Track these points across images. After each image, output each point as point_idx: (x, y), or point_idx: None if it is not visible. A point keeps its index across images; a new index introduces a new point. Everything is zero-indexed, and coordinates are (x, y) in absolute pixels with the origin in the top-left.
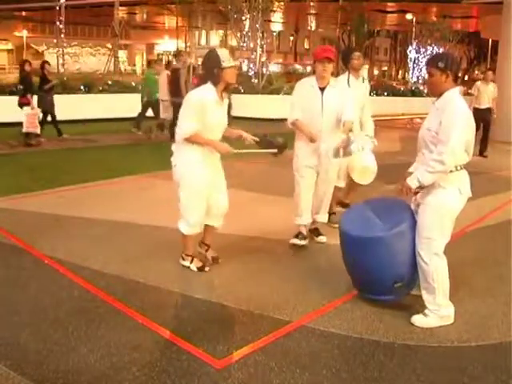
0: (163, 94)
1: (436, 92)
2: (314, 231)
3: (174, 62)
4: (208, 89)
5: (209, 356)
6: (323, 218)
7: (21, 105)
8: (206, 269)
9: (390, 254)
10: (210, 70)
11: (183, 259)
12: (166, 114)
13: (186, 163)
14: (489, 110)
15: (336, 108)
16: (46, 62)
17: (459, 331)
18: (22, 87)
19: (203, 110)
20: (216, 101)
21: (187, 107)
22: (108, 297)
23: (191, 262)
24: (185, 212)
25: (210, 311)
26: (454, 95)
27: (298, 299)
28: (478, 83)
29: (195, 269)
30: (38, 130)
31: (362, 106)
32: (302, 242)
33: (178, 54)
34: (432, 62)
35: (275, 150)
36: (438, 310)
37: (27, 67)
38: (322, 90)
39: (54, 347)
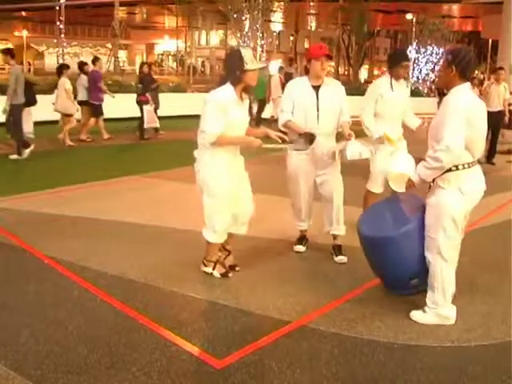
0: (277, 93)
1: (441, 84)
2: (336, 248)
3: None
4: (227, 89)
5: (209, 356)
6: (340, 229)
7: (139, 102)
8: (230, 275)
9: (402, 252)
10: (232, 71)
11: (205, 265)
12: (276, 110)
13: (211, 170)
14: (500, 112)
15: (333, 107)
16: (152, 63)
17: (459, 331)
18: (140, 86)
19: (225, 110)
20: (236, 100)
21: (209, 110)
22: (108, 297)
23: (214, 268)
24: (210, 220)
25: (210, 311)
26: (457, 91)
27: (298, 299)
28: (486, 83)
29: (218, 275)
30: (158, 124)
31: (403, 110)
32: (305, 248)
33: (291, 61)
34: (445, 54)
35: (304, 147)
36: (435, 309)
37: (145, 69)
38: (317, 89)
39: (54, 347)
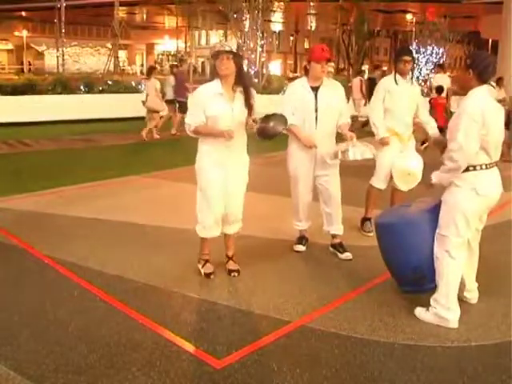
0: (357, 94)
1: (460, 87)
2: (338, 246)
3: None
4: (211, 83)
5: (209, 356)
6: (338, 229)
7: None
8: (211, 277)
9: (405, 240)
10: (212, 64)
11: (199, 262)
12: (357, 109)
13: (201, 164)
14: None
15: (332, 108)
16: None
17: (459, 331)
18: None
19: (203, 103)
20: (219, 93)
21: (189, 103)
22: (108, 297)
23: (203, 266)
24: (199, 213)
25: (210, 311)
26: (473, 93)
27: (298, 299)
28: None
29: (203, 273)
30: None
31: (412, 107)
32: (305, 248)
33: (376, 67)
34: (465, 58)
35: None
36: (436, 309)
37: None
38: (316, 90)
39: (54, 347)
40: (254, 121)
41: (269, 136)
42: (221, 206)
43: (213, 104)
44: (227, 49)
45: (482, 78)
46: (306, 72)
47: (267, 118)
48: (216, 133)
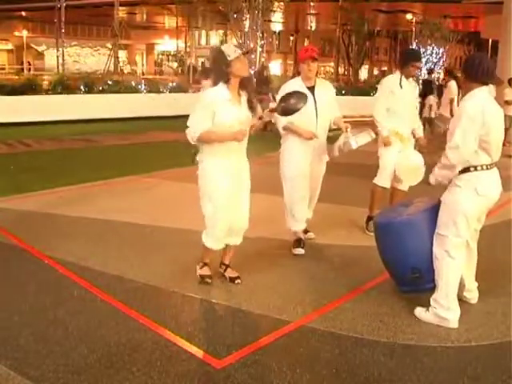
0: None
1: (463, 90)
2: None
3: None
4: (219, 88)
5: (209, 356)
6: (309, 214)
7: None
8: (208, 280)
9: (403, 240)
10: (219, 68)
11: (198, 263)
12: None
13: (206, 172)
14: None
15: (328, 106)
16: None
17: (459, 331)
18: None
19: (212, 109)
20: (229, 99)
21: (196, 108)
22: (108, 297)
23: (201, 267)
24: (208, 224)
25: (210, 311)
26: (471, 95)
27: (298, 299)
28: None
29: (198, 276)
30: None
31: (415, 106)
32: (303, 251)
33: (431, 71)
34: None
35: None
36: (436, 309)
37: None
38: (312, 90)
39: (54, 347)
40: (260, 118)
41: (290, 113)
42: (230, 215)
43: (223, 110)
44: (244, 50)
45: (476, 80)
46: (299, 73)
47: (288, 96)
48: (227, 137)
